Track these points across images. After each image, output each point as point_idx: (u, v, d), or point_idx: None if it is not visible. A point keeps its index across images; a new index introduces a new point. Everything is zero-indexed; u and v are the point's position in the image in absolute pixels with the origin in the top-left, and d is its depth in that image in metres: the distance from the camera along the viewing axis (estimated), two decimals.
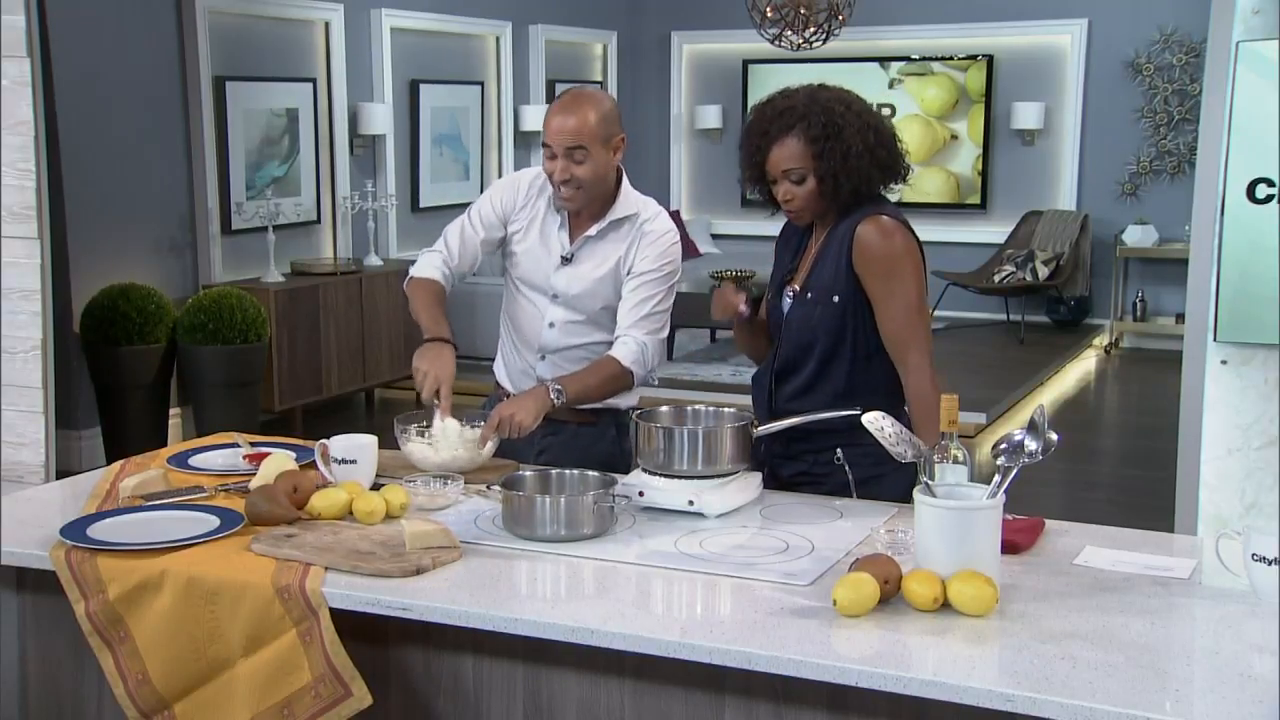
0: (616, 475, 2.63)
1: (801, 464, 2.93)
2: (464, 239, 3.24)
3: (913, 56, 10.39)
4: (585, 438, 3.17)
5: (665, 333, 3.19)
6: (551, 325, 3.19)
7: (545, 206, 3.19)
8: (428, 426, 2.91)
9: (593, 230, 3.14)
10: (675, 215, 10.77)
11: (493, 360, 3.42)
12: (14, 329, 4.31)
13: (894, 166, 2.90)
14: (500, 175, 9.71)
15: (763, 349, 3.07)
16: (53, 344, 4.41)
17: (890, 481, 2.80)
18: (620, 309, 3.14)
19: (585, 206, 3.11)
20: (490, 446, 2.91)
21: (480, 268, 3.39)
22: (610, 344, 3.14)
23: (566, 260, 3.16)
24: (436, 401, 2.91)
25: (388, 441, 2.91)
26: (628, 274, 3.14)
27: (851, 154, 2.81)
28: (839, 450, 2.86)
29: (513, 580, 2.32)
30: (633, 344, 3.09)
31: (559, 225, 3.17)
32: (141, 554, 2.38)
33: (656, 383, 3.67)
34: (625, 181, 3.16)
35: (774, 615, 2.12)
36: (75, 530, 2.46)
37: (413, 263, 3.30)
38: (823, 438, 2.86)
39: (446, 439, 2.88)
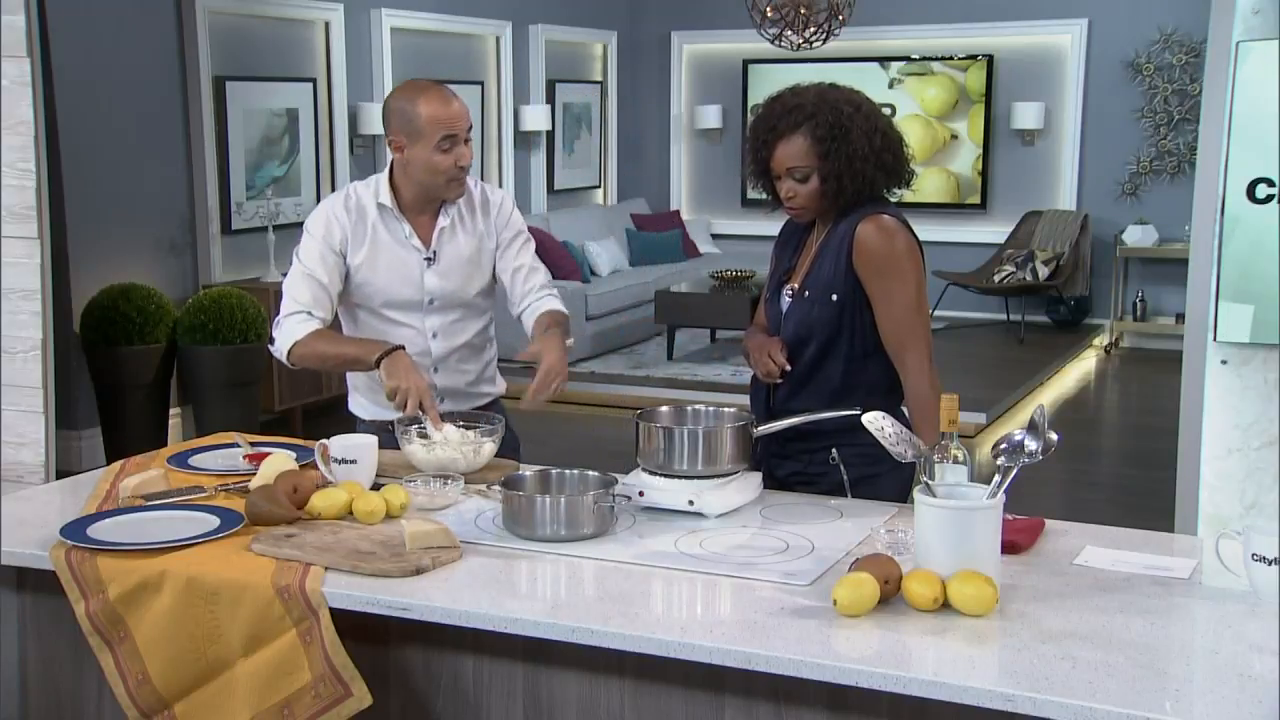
0: (616, 475, 2.63)
1: (797, 463, 2.94)
2: (313, 286, 3.06)
3: (913, 56, 10.39)
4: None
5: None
6: (435, 335, 3.17)
7: (380, 220, 3.11)
8: (423, 430, 2.89)
9: (443, 221, 3.15)
10: (675, 215, 10.78)
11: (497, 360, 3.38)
12: (14, 329, 4.31)
13: (898, 171, 2.90)
14: (500, 175, 9.71)
15: None
16: (53, 344, 4.41)
17: (885, 481, 2.80)
18: (514, 280, 3.19)
19: None
20: (490, 447, 2.90)
21: None
22: (486, 327, 3.24)
23: (431, 260, 3.14)
24: (422, 414, 2.87)
25: (387, 442, 2.90)
26: (496, 248, 3.19)
27: (857, 156, 2.81)
28: (834, 450, 2.87)
29: (513, 580, 2.32)
30: (552, 299, 3.18)
31: (406, 233, 3.13)
32: (141, 554, 2.38)
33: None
34: None
35: (774, 615, 2.12)
36: (75, 530, 2.46)
37: None
38: (818, 437, 2.87)
39: (449, 446, 2.86)
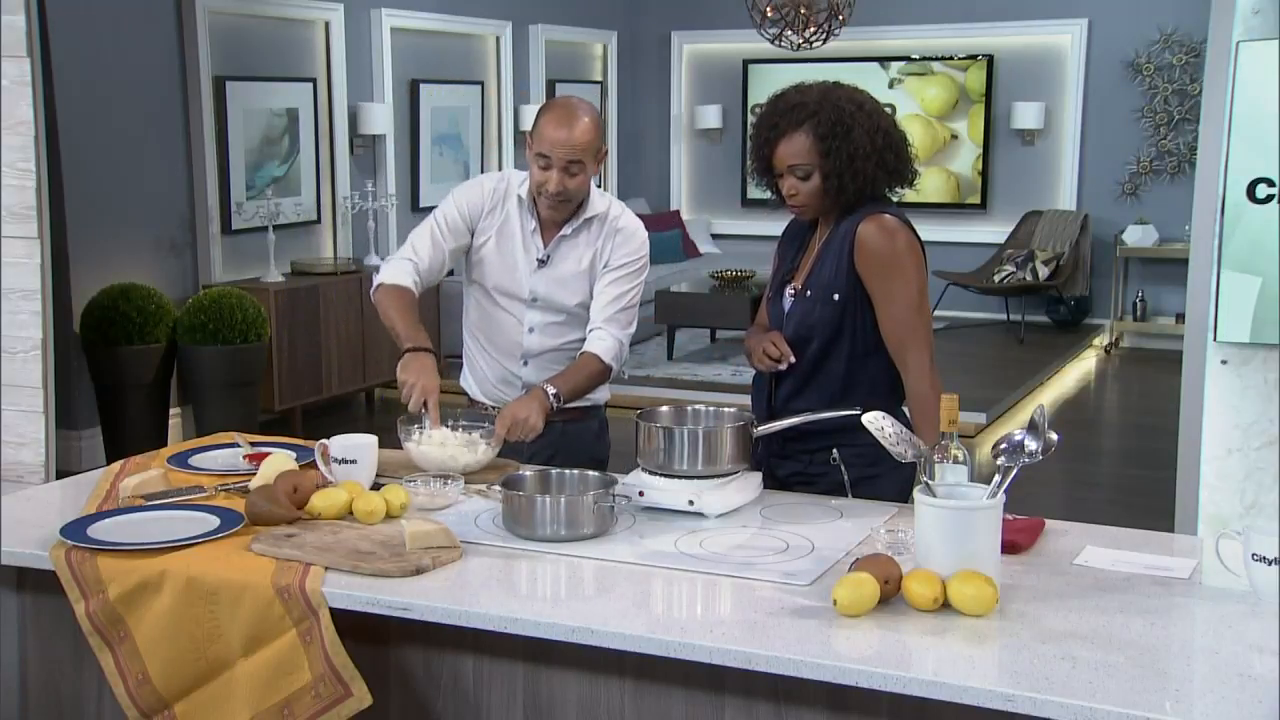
0: (616, 475, 2.64)
1: (797, 464, 2.94)
2: (434, 244, 3.21)
3: (913, 56, 10.39)
4: (571, 435, 3.21)
5: (634, 327, 3.24)
6: (531, 330, 3.22)
7: (516, 210, 3.20)
8: (423, 430, 2.92)
9: (567, 230, 3.19)
10: (675, 215, 10.77)
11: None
12: (14, 329, 4.31)
13: (900, 171, 2.90)
14: None
15: None
16: (53, 344, 4.41)
17: (885, 481, 2.80)
18: (594, 303, 3.20)
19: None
20: (485, 449, 2.90)
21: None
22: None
23: (543, 262, 3.19)
24: (424, 411, 2.92)
25: (388, 441, 2.91)
26: (603, 268, 3.19)
27: (858, 155, 2.81)
28: (834, 450, 2.87)
29: (513, 580, 2.32)
30: (610, 340, 3.15)
31: (532, 229, 3.19)
32: (141, 554, 2.38)
33: (627, 377, 3.74)
34: (592, 180, 3.20)
35: (774, 615, 2.12)
36: (75, 530, 2.46)
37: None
38: (818, 437, 2.87)
39: (433, 443, 2.88)
